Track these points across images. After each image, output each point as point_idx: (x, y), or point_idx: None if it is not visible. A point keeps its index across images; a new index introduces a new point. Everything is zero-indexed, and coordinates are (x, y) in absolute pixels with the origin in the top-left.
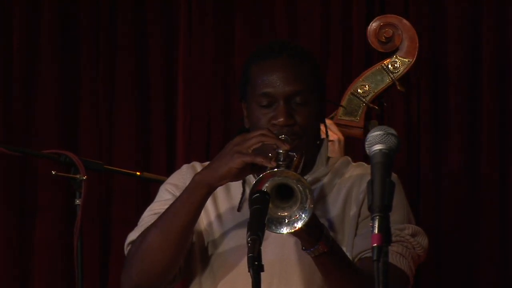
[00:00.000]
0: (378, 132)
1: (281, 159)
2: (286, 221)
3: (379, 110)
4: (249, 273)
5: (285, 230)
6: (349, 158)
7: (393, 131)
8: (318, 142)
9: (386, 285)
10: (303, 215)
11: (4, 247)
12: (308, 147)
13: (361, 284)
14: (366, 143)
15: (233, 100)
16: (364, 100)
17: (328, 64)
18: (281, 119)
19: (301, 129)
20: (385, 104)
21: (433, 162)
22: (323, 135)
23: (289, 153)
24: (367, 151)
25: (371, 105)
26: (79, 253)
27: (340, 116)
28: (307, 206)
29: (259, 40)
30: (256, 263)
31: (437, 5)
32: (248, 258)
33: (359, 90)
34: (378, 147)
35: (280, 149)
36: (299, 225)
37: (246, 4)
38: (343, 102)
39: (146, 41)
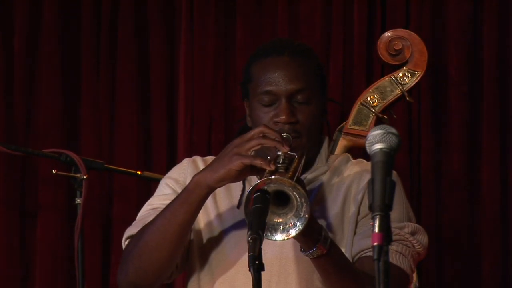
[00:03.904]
0: (379, 131)
1: (280, 161)
2: (281, 228)
3: (388, 121)
4: (248, 271)
5: (279, 237)
6: (349, 155)
7: (394, 130)
8: (319, 141)
9: (387, 284)
10: (298, 223)
11: (5, 246)
12: (309, 146)
13: (361, 285)
14: (367, 142)
15: (234, 101)
16: (373, 110)
17: (329, 66)
18: (283, 117)
19: (303, 127)
20: (394, 116)
21: (433, 161)
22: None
23: (289, 153)
24: (368, 150)
25: (381, 115)
26: (80, 252)
27: (350, 126)
28: (303, 214)
29: (260, 40)
30: (256, 262)
31: (438, 4)
32: (249, 257)
33: (368, 100)
34: (378, 146)
35: (280, 151)
36: (293, 233)
37: (248, 5)
38: (353, 113)
39: (147, 41)
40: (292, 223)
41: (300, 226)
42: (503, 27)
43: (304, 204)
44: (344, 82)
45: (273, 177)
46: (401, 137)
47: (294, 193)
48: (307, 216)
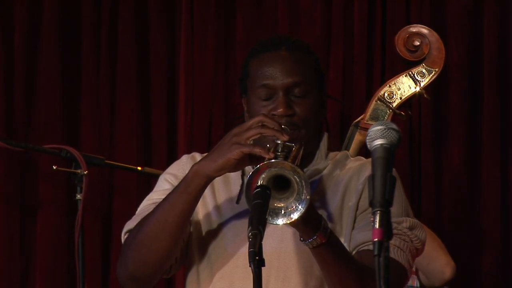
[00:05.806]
0: (379, 127)
1: (279, 150)
2: (283, 212)
3: (405, 117)
4: (248, 265)
5: (281, 221)
6: (348, 153)
7: (394, 126)
8: (318, 136)
9: (387, 280)
10: (299, 206)
11: (5, 242)
12: (308, 139)
13: (359, 276)
14: (367, 138)
15: (234, 97)
16: (391, 106)
17: (329, 62)
18: (281, 110)
19: (300, 120)
20: (410, 112)
21: (434, 156)
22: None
23: (288, 143)
24: (368, 146)
25: (398, 111)
26: (80, 248)
27: (367, 121)
28: (304, 197)
29: (260, 36)
30: (257, 258)
31: (438, 2)
32: (249, 253)
33: (385, 95)
34: (379, 141)
35: (279, 140)
36: (295, 216)
37: (248, 1)
38: (370, 108)
39: (148, 36)
40: (294, 207)
41: (302, 209)
42: (503, 26)
43: (305, 187)
44: (344, 78)
45: (273, 160)
46: (401, 133)
47: (295, 176)
48: (308, 197)
